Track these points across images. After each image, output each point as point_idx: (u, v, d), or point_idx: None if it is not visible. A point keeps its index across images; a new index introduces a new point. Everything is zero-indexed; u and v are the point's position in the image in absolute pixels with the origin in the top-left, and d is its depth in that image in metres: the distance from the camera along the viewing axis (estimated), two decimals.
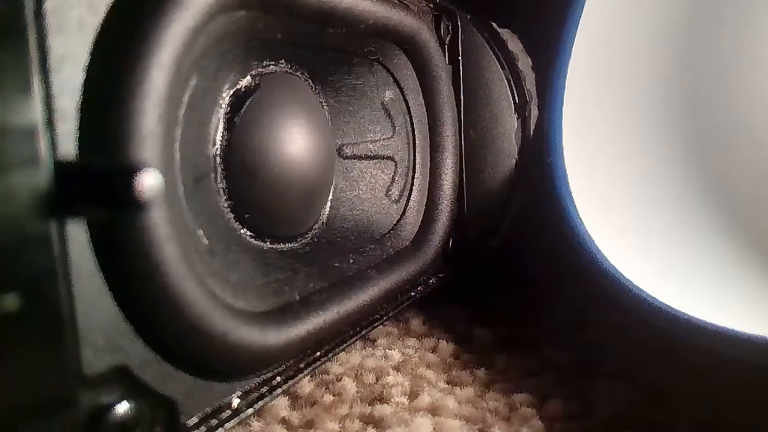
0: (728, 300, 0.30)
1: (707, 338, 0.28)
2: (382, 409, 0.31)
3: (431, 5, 0.38)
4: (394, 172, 0.37)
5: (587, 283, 0.34)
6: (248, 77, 0.29)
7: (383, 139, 0.37)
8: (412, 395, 0.32)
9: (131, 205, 0.16)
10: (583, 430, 0.30)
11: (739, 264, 0.33)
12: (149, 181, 0.16)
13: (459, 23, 0.39)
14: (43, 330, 0.18)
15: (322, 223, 0.35)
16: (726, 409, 0.30)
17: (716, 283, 0.32)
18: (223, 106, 0.27)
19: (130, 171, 0.16)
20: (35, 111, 0.17)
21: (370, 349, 0.37)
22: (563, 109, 0.37)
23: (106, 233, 0.19)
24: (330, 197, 0.35)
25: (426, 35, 0.36)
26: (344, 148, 0.36)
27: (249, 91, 0.28)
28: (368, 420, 0.30)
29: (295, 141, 0.30)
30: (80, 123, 0.18)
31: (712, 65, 0.37)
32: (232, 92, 0.28)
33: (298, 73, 0.33)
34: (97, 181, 0.17)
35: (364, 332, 0.33)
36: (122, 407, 0.20)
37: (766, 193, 0.35)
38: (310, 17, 0.29)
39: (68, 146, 0.18)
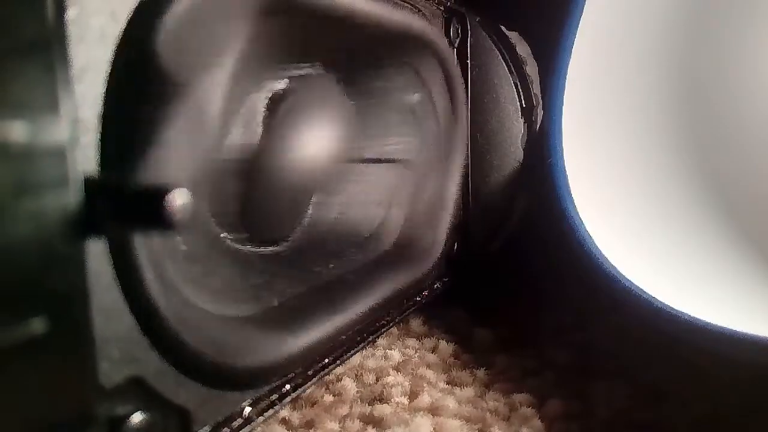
0: (728, 300, 0.30)
1: (707, 338, 0.28)
2: (382, 409, 0.31)
3: (441, 8, 0.38)
4: (411, 175, 0.37)
5: (587, 283, 0.34)
6: (283, 84, 0.29)
7: (405, 142, 0.37)
8: (412, 395, 0.32)
9: (163, 226, 0.16)
10: (583, 430, 0.30)
11: (740, 264, 0.33)
12: (180, 201, 0.16)
13: (468, 27, 0.39)
14: (62, 343, 0.17)
15: (328, 227, 0.34)
16: (726, 409, 0.30)
17: (717, 284, 0.32)
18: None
19: (161, 192, 0.16)
20: (59, 123, 0.16)
21: (370, 349, 0.37)
22: (563, 109, 0.37)
23: (125, 245, 0.19)
24: (337, 201, 0.35)
25: (440, 39, 0.36)
26: (365, 150, 0.36)
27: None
28: (368, 420, 0.30)
29: (292, 147, 0.30)
30: (101, 133, 0.18)
31: (712, 65, 0.37)
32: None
33: (330, 76, 0.32)
34: (126, 202, 0.17)
35: (371, 338, 0.33)
36: (137, 418, 0.20)
37: (766, 193, 0.35)
38: (343, 22, 0.28)
39: (90, 157, 0.18)
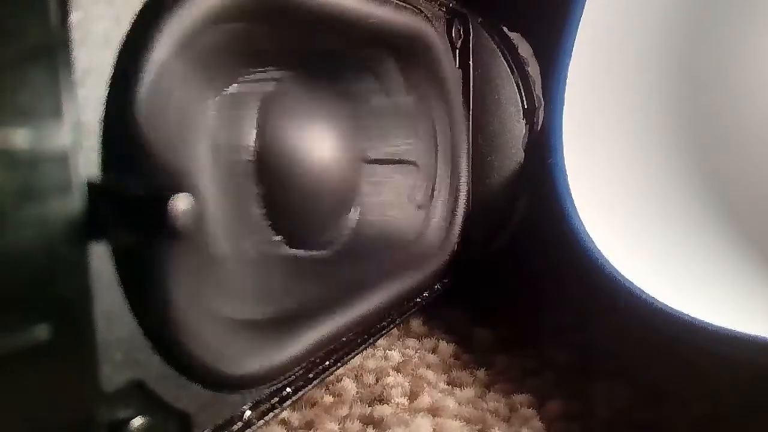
0: (728, 300, 0.30)
1: (707, 338, 0.28)
2: (382, 410, 0.31)
3: (443, 9, 0.38)
4: (417, 177, 0.37)
5: (587, 283, 0.34)
6: (275, 84, 0.29)
7: (406, 144, 0.37)
8: (412, 396, 0.32)
9: (165, 231, 0.16)
10: (583, 430, 0.30)
11: (740, 264, 0.33)
12: (182, 206, 0.16)
13: (471, 27, 0.39)
14: (64, 346, 0.17)
15: (351, 229, 0.34)
16: (726, 409, 0.30)
17: (717, 284, 0.32)
18: (253, 113, 0.27)
19: (163, 197, 0.15)
20: (62, 127, 0.16)
21: (371, 349, 0.37)
22: (564, 109, 0.37)
23: (127, 249, 0.19)
24: (357, 203, 0.35)
25: (439, 40, 0.36)
26: (368, 152, 0.36)
27: (277, 97, 0.28)
28: (368, 421, 0.30)
29: (321, 146, 0.30)
30: (103, 137, 0.18)
31: (712, 64, 0.37)
32: (260, 99, 0.28)
33: (322, 80, 0.32)
34: (128, 207, 0.16)
35: (372, 340, 0.33)
36: (137, 422, 0.20)
37: (766, 193, 0.35)
38: (335, 25, 0.28)
39: (92, 161, 0.18)
